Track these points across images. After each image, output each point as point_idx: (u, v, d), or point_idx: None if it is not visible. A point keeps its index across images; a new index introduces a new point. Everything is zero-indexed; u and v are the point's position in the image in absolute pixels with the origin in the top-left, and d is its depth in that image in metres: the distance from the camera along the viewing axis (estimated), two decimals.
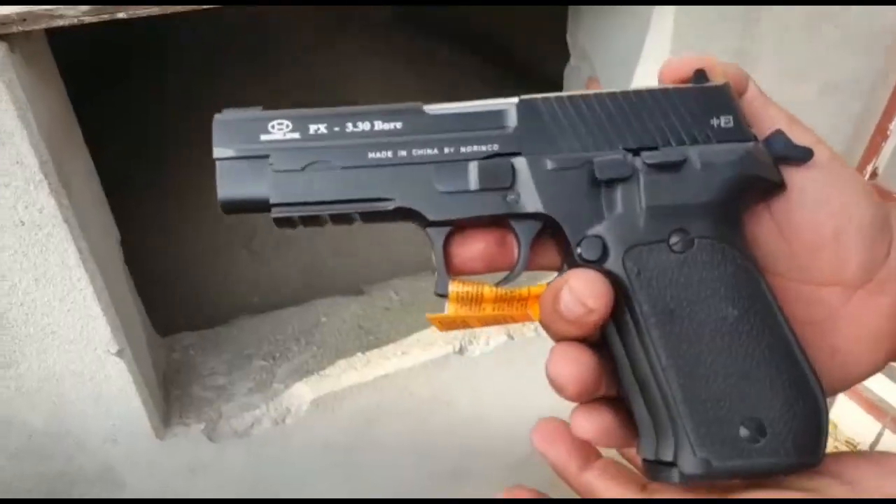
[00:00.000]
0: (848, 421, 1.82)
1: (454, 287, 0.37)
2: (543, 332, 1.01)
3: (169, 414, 0.99)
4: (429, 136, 0.36)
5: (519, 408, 1.24)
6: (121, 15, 0.68)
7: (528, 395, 1.23)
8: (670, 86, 0.36)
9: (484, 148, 0.36)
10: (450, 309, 0.38)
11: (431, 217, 0.36)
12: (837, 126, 1.15)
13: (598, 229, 0.35)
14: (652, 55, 0.97)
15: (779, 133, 0.35)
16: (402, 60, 1.30)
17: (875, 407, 1.29)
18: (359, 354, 1.06)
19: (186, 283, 1.32)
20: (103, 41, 1.41)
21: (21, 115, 0.68)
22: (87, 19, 0.67)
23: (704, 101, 0.35)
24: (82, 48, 1.29)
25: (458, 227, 0.37)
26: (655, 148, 0.35)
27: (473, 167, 0.35)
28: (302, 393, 1.03)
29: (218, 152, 0.37)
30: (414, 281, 1.19)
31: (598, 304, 0.32)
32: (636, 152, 0.35)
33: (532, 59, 1.34)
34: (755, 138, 0.35)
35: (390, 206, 0.36)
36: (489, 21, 1.56)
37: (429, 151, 0.36)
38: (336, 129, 0.36)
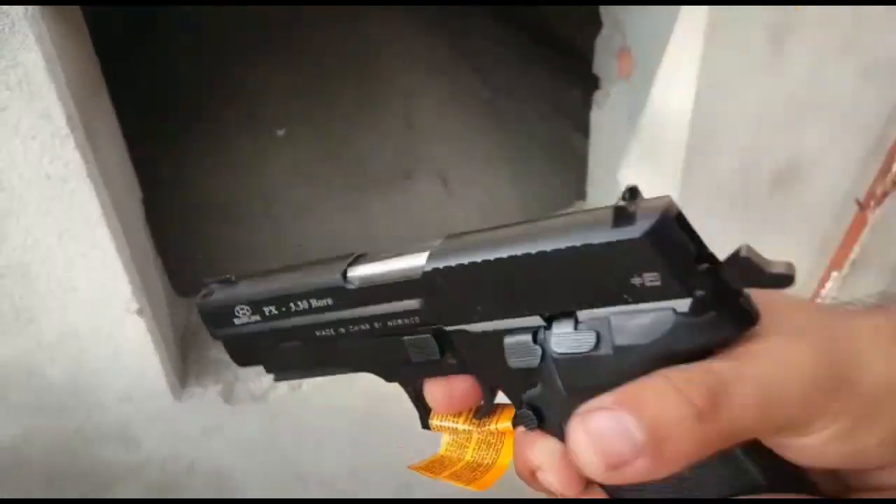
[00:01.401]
0: None
1: (436, 422, 0.38)
2: None
3: (186, 375, 0.99)
4: (357, 311, 0.35)
5: None
6: None
7: None
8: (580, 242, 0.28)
9: (408, 321, 0.34)
10: (442, 446, 0.38)
11: (388, 380, 0.38)
12: (879, 111, 1.11)
13: (532, 395, 0.32)
14: (688, 26, 0.94)
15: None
16: (432, 32, 1.27)
17: None
18: None
19: (206, 246, 1.32)
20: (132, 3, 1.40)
21: (50, 69, 0.67)
22: None
23: (621, 257, 0.27)
24: (111, 8, 1.28)
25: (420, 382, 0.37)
26: (572, 313, 0.29)
27: (406, 340, 0.35)
28: None
29: (212, 332, 0.41)
30: None
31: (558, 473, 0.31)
32: (550, 319, 0.30)
33: (564, 29, 1.31)
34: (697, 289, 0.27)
35: (353, 371, 0.38)
36: None
37: (362, 327, 0.35)
38: (283, 309, 0.37)
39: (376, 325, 0.35)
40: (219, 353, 1.03)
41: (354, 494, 1.20)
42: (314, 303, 0.35)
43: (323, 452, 1.13)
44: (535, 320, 0.30)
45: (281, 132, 1.54)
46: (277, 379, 0.41)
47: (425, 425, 0.38)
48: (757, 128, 1.04)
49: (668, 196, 0.29)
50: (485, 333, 0.32)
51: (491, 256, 0.30)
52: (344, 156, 1.46)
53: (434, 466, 0.37)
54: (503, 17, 1.27)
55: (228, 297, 0.38)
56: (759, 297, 0.28)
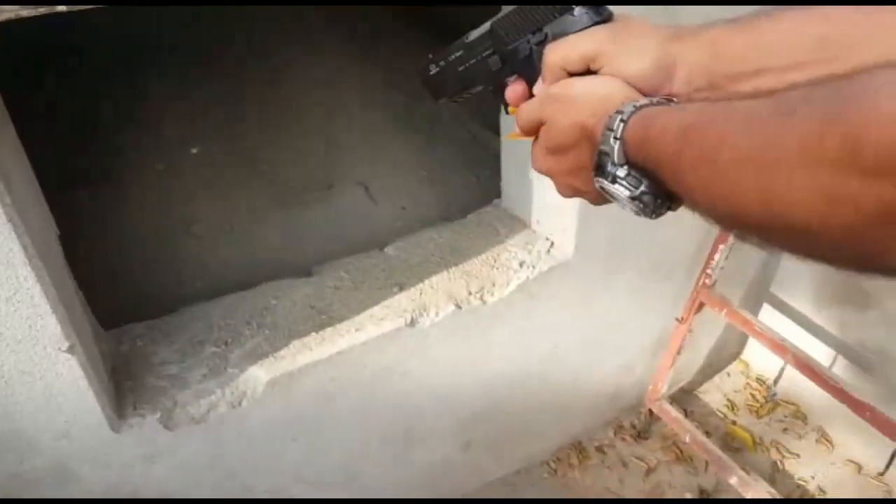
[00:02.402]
0: (756, 359, 2.02)
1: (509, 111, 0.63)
2: (490, 300, 1.14)
3: (122, 405, 0.98)
4: (470, 52, 0.64)
5: (468, 373, 1.31)
6: (61, 8, 0.66)
7: (476, 361, 1.30)
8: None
9: (488, 50, 0.62)
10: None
11: (488, 85, 0.64)
12: None
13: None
14: None
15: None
16: (344, 41, 1.28)
17: (778, 345, 1.43)
18: (313, 334, 1.08)
19: (128, 274, 1.29)
20: (27, 35, 1.33)
21: None
22: (25, 13, 0.65)
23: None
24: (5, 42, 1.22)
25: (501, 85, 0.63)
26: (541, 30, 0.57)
27: (489, 60, 0.62)
28: (257, 375, 1.04)
29: (420, 78, 0.72)
30: (364, 258, 1.22)
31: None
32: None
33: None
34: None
35: (474, 87, 0.67)
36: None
37: (472, 60, 0.64)
38: (442, 62, 0.69)
39: (478, 57, 0.63)
40: (155, 380, 1.03)
41: (300, 496, 1.23)
42: (455, 53, 0.66)
43: (267, 462, 1.16)
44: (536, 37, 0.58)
45: (194, 150, 1.51)
46: (452, 101, 0.71)
47: (506, 112, 0.62)
48: None
49: None
50: (515, 50, 0.59)
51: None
52: (262, 171, 1.46)
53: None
54: (413, 18, 1.30)
55: (426, 62, 0.69)
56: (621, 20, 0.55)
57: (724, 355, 1.98)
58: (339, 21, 1.45)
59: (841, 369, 1.69)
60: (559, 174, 0.56)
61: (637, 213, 0.48)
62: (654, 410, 1.76)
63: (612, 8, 0.55)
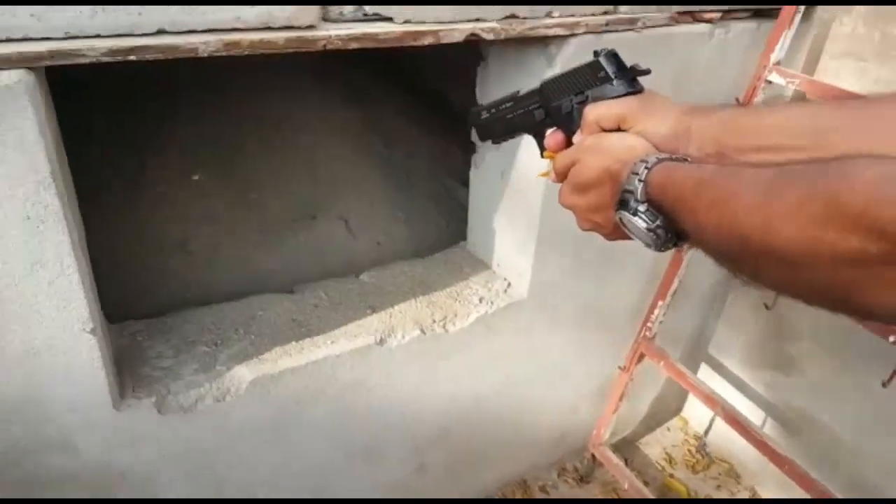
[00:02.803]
0: (695, 417, 2.18)
1: (545, 154, 0.80)
2: (451, 329, 1.37)
3: (123, 388, 1.13)
4: (519, 104, 0.84)
5: (426, 396, 1.47)
6: (132, 56, 0.85)
7: (435, 385, 1.47)
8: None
9: (534, 105, 0.81)
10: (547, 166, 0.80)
11: (531, 134, 0.84)
12: None
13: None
14: None
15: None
16: (346, 100, 1.47)
17: (709, 398, 1.61)
18: (293, 343, 1.25)
19: (126, 279, 1.44)
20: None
21: (41, 131, 0.84)
22: (105, 60, 0.84)
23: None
24: None
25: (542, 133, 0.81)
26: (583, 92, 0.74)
27: (534, 112, 0.81)
28: (242, 374, 1.20)
29: (471, 122, 0.94)
30: (342, 282, 1.40)
31: None
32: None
33: (456, 100, 1.57)
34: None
35: (519, 133, 0.87)
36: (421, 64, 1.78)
37: (521, 110, 0.83)
38: (493, 110, 0.88)
39: (526, 108, 0.81)
40: (150, 370, 1.19)
41: (268, 494, 1.36)
42: (505, 104, 0.84)
43: (240, 459, 1.29)
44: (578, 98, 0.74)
45: (196, 177, 1.70)
46: (495, 142, 0.92)
47: (542, 156, 0.80)
48: None
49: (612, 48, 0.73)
50: (559, 107, 0.76)
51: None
52: (253, 200, 1.64)
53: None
54: (408, 88, 1.51)
55: (478, 108, 0.89)
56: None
57: (664, 410, 2.15)
58: (328, 77, 1.65)
59: (770, 429, 1.87)
60: (581, 209, 0.70)
61: (648, 244, 0.61)
62: (597, 455, 1.91)
63: (643, 82, 0.72)
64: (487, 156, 1.46)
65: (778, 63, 1.37)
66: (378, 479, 1.56)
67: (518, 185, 1.39)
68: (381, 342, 1.30)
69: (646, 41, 1.22)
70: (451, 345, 1.40)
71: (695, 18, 1.29)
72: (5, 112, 0.81)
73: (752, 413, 1.86)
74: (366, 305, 1.35)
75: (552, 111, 0.78)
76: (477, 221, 1.56)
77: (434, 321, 1.36)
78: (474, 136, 1.51)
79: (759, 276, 0.50)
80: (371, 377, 1.34)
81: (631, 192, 0.60)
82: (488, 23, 1.07)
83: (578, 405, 1.84)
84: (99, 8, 0.84)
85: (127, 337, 1.24)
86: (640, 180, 0.59)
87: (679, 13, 1.26)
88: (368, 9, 1.00)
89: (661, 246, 0.61)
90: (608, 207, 0.65)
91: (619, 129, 0.69)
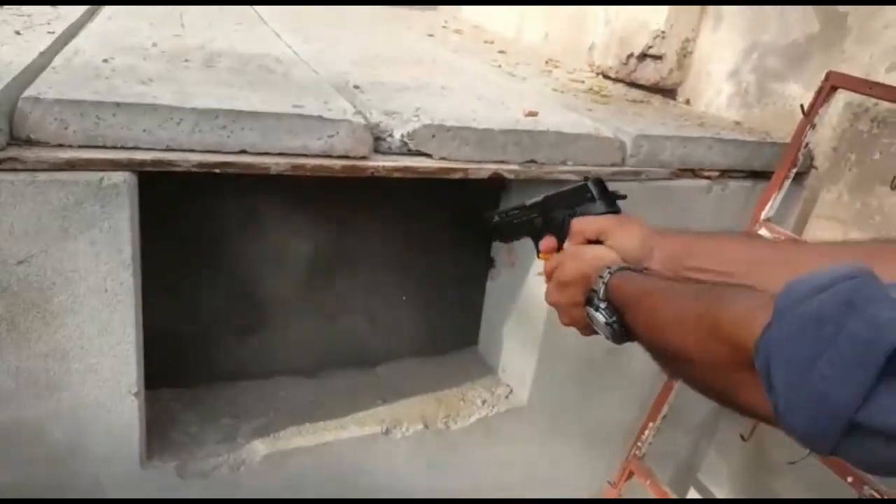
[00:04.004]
0: None
1: (540, 257, 0.95)
2: (453, 427, 1.52)
3: (151, 450, 1.25)
4: (523, 214, 1.05)
5: (425, 488, 1.55)
6: (216, 170, 1.04)
7: (434, 477, 1.55)
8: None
9: (535, 214, 1.00)
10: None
11: (532, 237, 1.01)
12: None
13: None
14: None
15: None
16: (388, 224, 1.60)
17: None
18: (307, 424, 1.36)
19: (163, 351, 1.58)
20: None
21: (131, 222, 1.01)
22: (194, 170, 1.03)
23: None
24: None
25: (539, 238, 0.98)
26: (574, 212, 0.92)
27: (535, 220, 1.00)
28: (257, 448, 1.31)
29: (487, 222, 1.17)
30: (359, 372, 1.53)
31: None
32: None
33: (481, 218, 1.74)
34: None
35: (521, 238, 1.06)
36: None
37: (524, 218, 1.03)
38: (503, 215, 1.11)
39: (527, 216, 1.00)
40: (177, 435, 1.31)
41: None
42: (513, 211, 1.05)
43: None
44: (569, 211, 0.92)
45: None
46: (503, 242, 1.16)
47: (537, 256, 0.94)
48: None
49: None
50: (553, 217, 0.94)
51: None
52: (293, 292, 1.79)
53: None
54: (441, 207, 1.66)
55: (491, 213, 1.10)
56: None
57: None
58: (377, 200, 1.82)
59: None
60: (563, 305, 0.83)
61: (608, 336, 0.74)
62: None
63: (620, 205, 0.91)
64: (503, 273, 1.62)
65: (768, 219, 1.53)
66: None
67: (526, 302, 1.54)
68: (387, 432, 1.41)
69: (648, 191, 1.40)
70: (452, 442, 1.50)
71: (695, 175, 1.48)
72: (107, 204, 0.99)
73: None
74: (377, 396, 1.47)
75: (548, 220, 0.97)
76: (488, 329, 1.70)
77: (438, 417, 1.47)
78: (494, 251, 1.67)
79: (674, 371, 0.64)
80: (373, 465, 1.44)
81: (595, 291, 0.74)
82: (511, 165, 1.25)
83: None
84: (197, 128, 1.03)
85: (161, 401, 1.37)
86: (602, 283, 0.73)
87: (680, 170, 1.44)
88: (412, 145, 1.19)
89: (617, 339, 0.73)
90: (580, 305, 0.78)
91: (598, 241, 0.85)
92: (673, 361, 0.62)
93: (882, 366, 0.39)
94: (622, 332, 0.72)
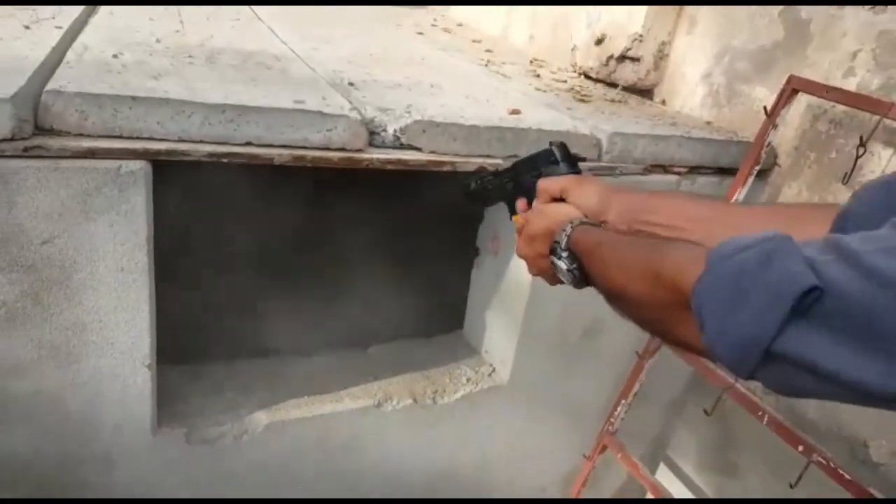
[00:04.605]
0: None
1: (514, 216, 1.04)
2: (440, 402, 1.65)
3: (161, 417, 1.34)
4: (497, 179, 1.15)
5: (411, 461, 1.66)
6: (224, 160, 1.13)
7: (422, 449, 1.66)
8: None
9: (507, 178, 1.11)
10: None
11: (505, 201, 1.12)
12: None
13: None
14: None
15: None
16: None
17: (654, 488, 1.80)
18: (305, 397, 1.47)
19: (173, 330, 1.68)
20: None
21: (147, 206, 1.11)
22: (205, 160, 1.12)
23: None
24: None
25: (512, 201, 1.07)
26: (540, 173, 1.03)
27: (506, 185, 1.11)
28: (259, 419, 1.41)
29: (464, 191, 1.26)
30: (352, 353, 1.63)
31: None
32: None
33: (469, 215, 1.85)
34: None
35: (495, 202, 1.17)
36: None
37: (497, 183, 1.15)
38: (479, 181, 1.22)
39: (500, 182, 1.11)
40: (185, 406, 1.40)
41: None
42: (487, 178, 1.16)
43: (249, 487, 1.48)
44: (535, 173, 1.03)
45: None
46: (482, 206, 1.47)
47: (510, 218, 1.04)
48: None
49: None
50: (522, 181, 1.04)
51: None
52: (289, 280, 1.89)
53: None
54: (430, 200, 1.76)
55: (467, 181, 1.20)
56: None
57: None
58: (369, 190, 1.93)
59: None
60: (531, 257, 0.93)
61: (569, 282, 0.83)
62: None
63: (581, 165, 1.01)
64: (487, 261, 1.73)
65: None
66: None
67: (508, 288, 1.65)
68: (378, 406, 1.52)
69: (623, 185, 1.51)
70: (439, 416, 1.61)
71: (666, 171, 1.59)
72: (125, 190, 1.09)
73: None
74: (369, 374, 1.58)
75: (518, 184, 1.06)
76: (473, 313, 1.81)
77: (425, 393, 1.58)
78: (479, 241, 1.78)
79: (623, 310, 0.72)
80: (365, 436, 1.55)
81: (558, 243, 0.83)
82: (495, 159, 1.36)
83: (546, 488, 2.01)
84: (206, 121, 1.13)
85: (169, 376, 1.46)
86: (565, 235, 0.82)
87: (652, 165, 1.56)
88: (404, 139, 1.29)
89: (577, 283, 0.82)
90: (546, 256, 0.87)
91: (561, 199, 0.95)
92: (622, 301, 0.71)
93: (792, 306, 0.48)
94: (581, 277, 0.81)
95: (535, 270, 0.94)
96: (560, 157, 1.01)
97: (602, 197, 0.92)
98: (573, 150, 1.04)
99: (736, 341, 0.51)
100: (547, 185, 0.98)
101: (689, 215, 0.85)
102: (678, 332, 0.60)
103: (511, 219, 1.05)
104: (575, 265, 0.81)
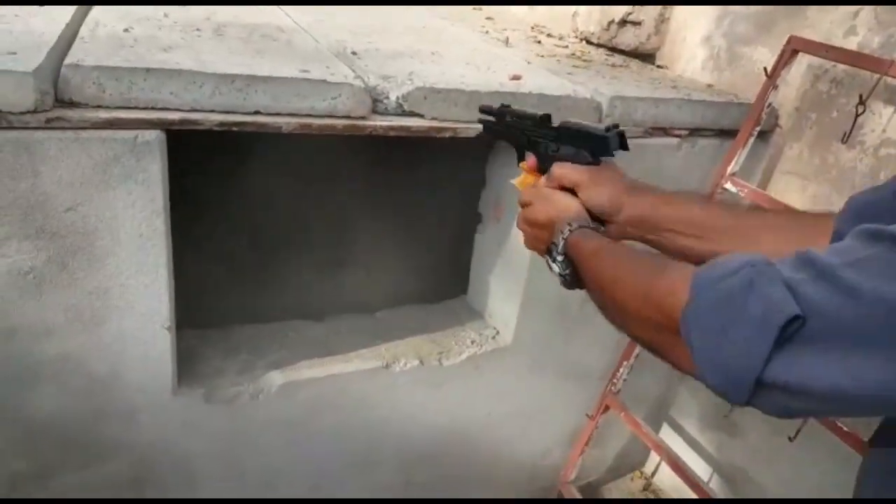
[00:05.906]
0: (655, 472, 2.41)
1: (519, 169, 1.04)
2: (446, 363, 1.71)
3: (181, 378, 1.41)
4: (513, 123, 1.07)
5: (419, 419, 1.73)
6: (234, 128, 1.18)
7: (429, 409, 1.73)
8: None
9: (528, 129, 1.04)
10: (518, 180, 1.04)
11: (523, 148, 1.05)
12: None
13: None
14: None
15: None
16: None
17: (656, 445, 1.86)
18: (316, 358, 1.53)
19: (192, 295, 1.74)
20: None
21: (162, 174, 1.16)
22: (216, 129, 1.16)
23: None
24: None
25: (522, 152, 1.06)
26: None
27: (519, 136, 1.05)
28: (274, 379, 1.48)
29: (482, 120, 1.16)
30: (360, 316, 1.69)
31: None
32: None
33: (473, 178, 1.88)
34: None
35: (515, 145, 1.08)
36: None
37: (517, 128, 1.05)
38: (502, 118, 1.11)
39: (520, 129, 1.03)
40: (203, 367, 1.47)
41: (281, 483, 1.61)
42: (510, 113, 1.06)
43: (259, 453, 1.55)
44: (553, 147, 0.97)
45: None
46: (490, 135, 1.14)
47: (517, 165, 1.04)
48: None
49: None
50: (540, 145, 0.99)
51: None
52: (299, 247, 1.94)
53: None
54: (433, 168, 1.80)
55: (489, 105, 1.11)
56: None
57: (628, 462, 2.38)
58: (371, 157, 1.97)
59: (715, 485, 2.10)
60: (529, 236, 0.94)
61: (561, 284, 0.83)
62: (564, 493, 2.14)
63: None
64: (489, 227, 1.77)
65: (734, 174, 1.68)
66: (367, 490, 1.80)
67: (510, 254, 1.69)
68: (387, 367, 1.58)
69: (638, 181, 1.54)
70: (445, 377, 1.67)
71: (666, 133, 1.62)
72: (142, 159, 1.13)
73: (703, 471, 2.09)
74: (377, 337, 1.63)
75: (533, 145, 1.00)
76: (476, 278, 1.86)
77: (431, 355, 1.64)
78: (481, 207, 1.82)
79: (614, 323, 0.72)
80: (375, 395, 1.61)
81: (555, 244, 0.83)
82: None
83: (551, 447, 2.08)
84: (217, 91, 1.17)
85: (187, 340, 1.53)
86: (563, 238, 0.82)
87: (652, 128, 1.59)
88: (406, 106, 1.33)
89: (567, 287, 0.84)
90: (542, 241, 0.89)
91: (571, 191, 0.92)
92: (613, 314, 0.71)
93: (777, 336, 0.49)
94: (573, 281, 0.82)
95: (530, 245, 0.95)
96: (618, 146, 0.94)
97: (613, 201, 0.90)
98: (573, 117, 0.99)
99: (726, 372, 0.53)
100: (562, 173, 0.93)
101: (699, 225, 0.85)
102: (670, 355, 0.61)
103: (518, 165, 1.03)
104: (568, 271, 0.82)
